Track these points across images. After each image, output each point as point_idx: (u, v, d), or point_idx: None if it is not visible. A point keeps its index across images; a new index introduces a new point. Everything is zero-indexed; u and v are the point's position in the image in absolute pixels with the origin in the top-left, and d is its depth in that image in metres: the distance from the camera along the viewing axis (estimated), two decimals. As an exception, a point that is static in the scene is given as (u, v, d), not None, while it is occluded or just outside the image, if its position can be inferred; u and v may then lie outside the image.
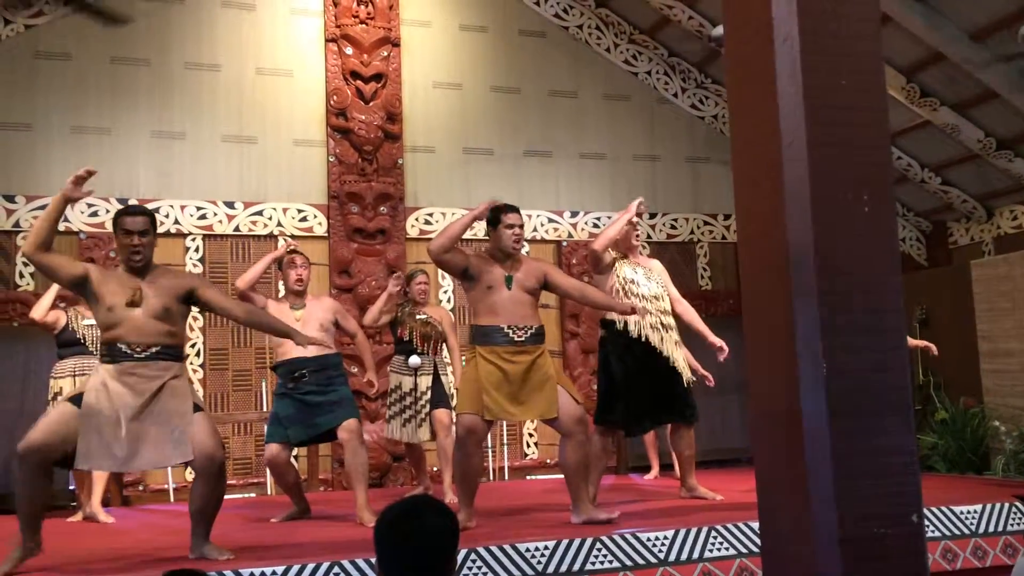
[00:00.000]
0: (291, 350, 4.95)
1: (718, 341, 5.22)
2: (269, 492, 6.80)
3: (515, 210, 4.64)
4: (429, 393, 5.76)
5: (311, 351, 4.85)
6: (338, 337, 5.34)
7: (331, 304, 5.36)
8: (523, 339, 4.43)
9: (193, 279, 4.30)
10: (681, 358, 5.09)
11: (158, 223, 4.25)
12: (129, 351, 3.83)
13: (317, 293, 5.50)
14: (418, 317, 5.86)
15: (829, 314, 1.62)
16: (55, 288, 5.41)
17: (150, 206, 6.88)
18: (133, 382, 3.79)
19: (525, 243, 7.62)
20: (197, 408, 3.90)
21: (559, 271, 4.85)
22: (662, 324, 5.06)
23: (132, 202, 6.88)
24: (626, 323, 5.01)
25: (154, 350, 3.85)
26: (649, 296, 5.06)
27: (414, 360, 5.72)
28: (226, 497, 6.53)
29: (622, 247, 5.22)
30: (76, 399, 3.79)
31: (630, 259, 5.22)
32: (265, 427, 6.91)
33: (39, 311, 5.51)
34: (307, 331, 4.79)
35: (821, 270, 1.63)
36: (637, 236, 5.29)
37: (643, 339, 5.00)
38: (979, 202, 8.05)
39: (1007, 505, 4.52)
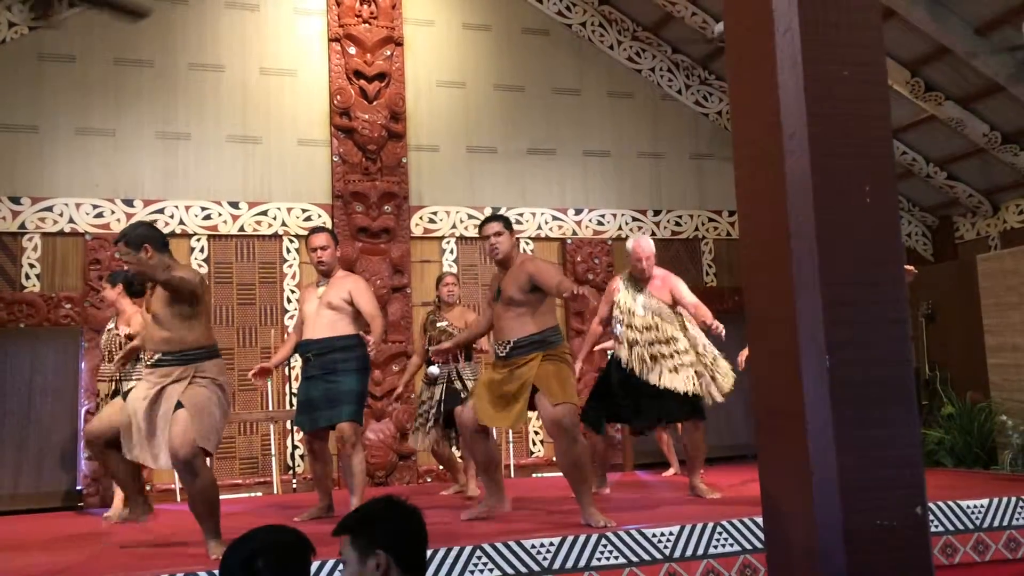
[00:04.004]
0: (304, 332, 4.94)
1: (712, 322, 5.14)
2: (275, 491, 6.81)
3: (491, 220, 4.63)
4: (441, 404, 5.69)
5: (317, 333, 4.84)
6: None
7: (351, 282, 4.95)
8: (504, 354, 4.48)
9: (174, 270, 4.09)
10: (680, 381, 5.05)
11: (162, 224, 4.32)
12: (145, 358, 4.16)
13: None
14: (438, 325, 5.83)
15: (832, 307, 1.62)
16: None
17: (155, 207, 6.92)
18: (143, 388, 4.01)
19: (530, 241, 7.73)
20: (180, 405, 3.91)
21: (542, 270, 4.46)
22: (651, 356, 5.10)
23: (137, 203, 6.91)
24: (615, 352, 5.31)
25: (157, 357, 4.02)
26: (642, 328, 5.17)
27: (431, 371, 5.69)
28: (235, 496, 6.57)
29: (634, 273, 5.34)
30: (127, 394, 4.21)
31: (639, 285, 5.29)
32: (271, 426, 6.95)
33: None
34: (320, 309, 4.85)
35: (823, 262, 1.62)
36: (646, 269, 5.26)
37: (630, 368, 5.13)
38: (985, 196, 8.02)
39: (1013, 499, 4.50)
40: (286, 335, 6.72)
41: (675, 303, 5.27)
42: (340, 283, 4.93)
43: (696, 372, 5.12)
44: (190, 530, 4.31)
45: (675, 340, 5.15)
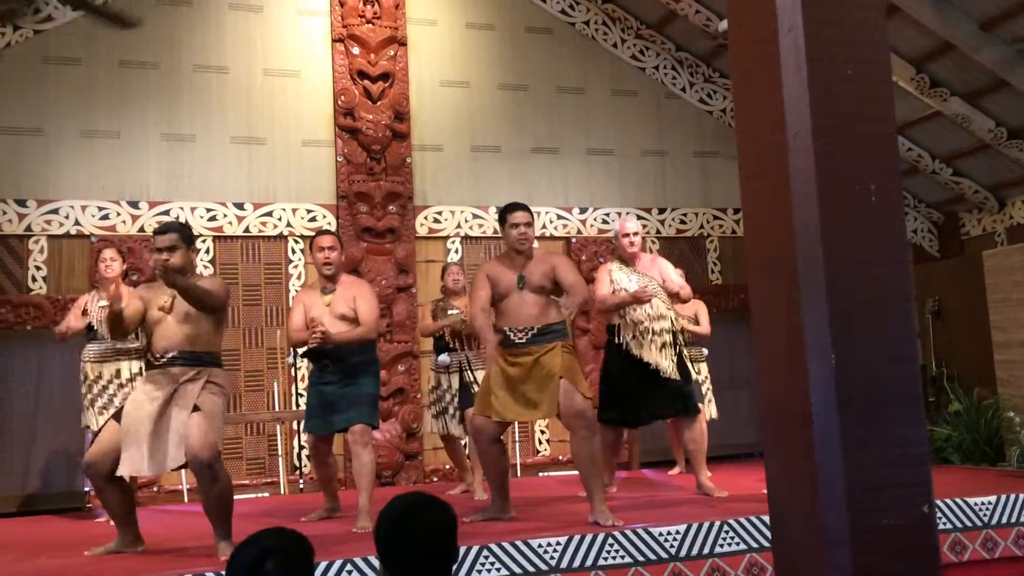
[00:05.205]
0: None
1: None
2: (283, 492, 6.82)
3: (520, 208, 4.63)
4: (457, 392, 5.79)
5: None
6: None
7: (356, 289, 4.97)
8: (523, 341, 4.47)
9: (202, 280, 4.16)
10: (666, 359, 5.14)
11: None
12: (153, 359, 4.04)
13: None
14: (450, 312, 5.88)
15: (837, 305, 1.61)
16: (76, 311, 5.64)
17: (160, 208, 6.94)
18: (150, 388, 3.93)
19: (534, 240, 7.71)
20: (196, 409, 3.91)
21: (566, 265, 4.63)
22: (650, 330, 5.17)
23: (142, 205, 6.93)
24: (615, 329, 5.29)
25: (172, 355, 3.98)
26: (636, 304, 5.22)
27: (442, 359, 5.79)
28: (242, 497, 6.58)
29: (619, 254, 5.44)
30: (118, 414, 4.03)
31: (630, 265, 5.36)
32: (278, 426, 6.97)
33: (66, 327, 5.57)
34: (331, 320, 4.82)
35: (828, 261, 1.62)
36: (632, 243, 5.35)
37: (626, 347, 5.20)
38: (991, 192, 8.00)
39: (1021, 496, 4.49)
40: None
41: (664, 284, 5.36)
42: (346, 291, 4.93)
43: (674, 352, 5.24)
44: (195, 532, 4.33)
45: (663, 318, 5.23)
